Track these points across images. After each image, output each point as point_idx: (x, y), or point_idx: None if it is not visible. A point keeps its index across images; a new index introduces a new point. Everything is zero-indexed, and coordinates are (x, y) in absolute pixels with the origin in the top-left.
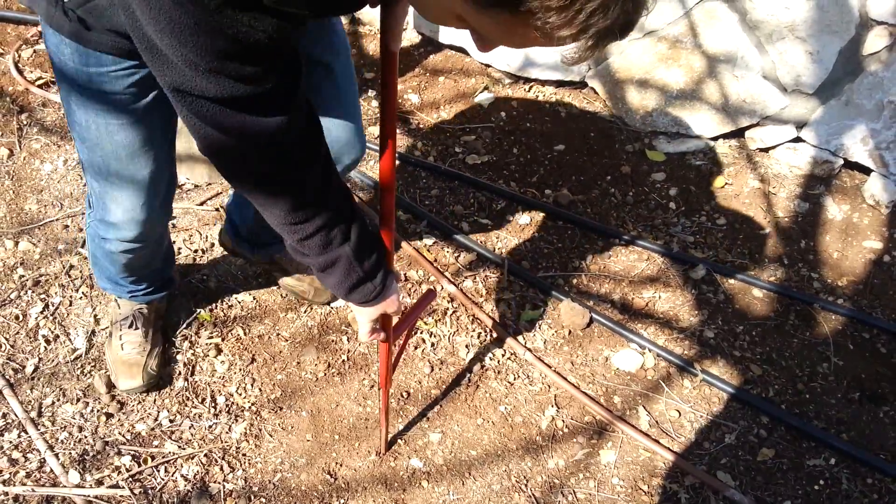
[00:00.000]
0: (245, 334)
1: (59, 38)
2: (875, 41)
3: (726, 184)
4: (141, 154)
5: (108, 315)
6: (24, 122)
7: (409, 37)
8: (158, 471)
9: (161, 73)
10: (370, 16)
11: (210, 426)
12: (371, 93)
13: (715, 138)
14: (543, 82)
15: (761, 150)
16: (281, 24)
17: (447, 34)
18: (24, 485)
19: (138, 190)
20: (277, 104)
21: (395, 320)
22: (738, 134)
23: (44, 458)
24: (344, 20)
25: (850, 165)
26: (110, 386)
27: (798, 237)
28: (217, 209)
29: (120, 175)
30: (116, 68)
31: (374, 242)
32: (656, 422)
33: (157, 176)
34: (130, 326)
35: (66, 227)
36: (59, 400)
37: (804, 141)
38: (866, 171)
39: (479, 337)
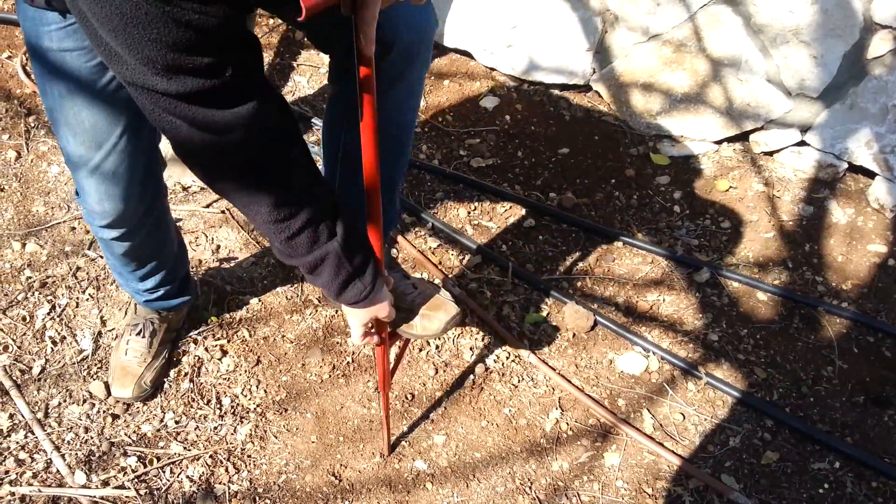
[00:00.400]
0: (250, 336)
1: (24, 6)
2: (879, 45)
3: (730, 187)
4: (107, 139)
5: (127, 313)
6: (32, 125)
7: None
8: (164, 472)
9: (121, 73)
10: None
11: (215, 427)
12: None
13: (719, 142)
14: (548, 86)
15: (765, 153)
16: (230, 8)
17: (452, 38)
18: (31, 485)
19: (106, 179)
20: (242, 93)
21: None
22: (743, 137)
23: (50, 459)
24: None
25: (855, 169)
26: (109, 390)
27: (802, 241)
28: (223, 211)
29: (85, 162)
30: (65, 24)
31: (362, 240)
32: (660, 425)
33: (127, 165)
34: (139, 333)
35: (73, 229)
36: (65, 401)
37: (808, 145)
38: (871, 174)
39: (483, 339)
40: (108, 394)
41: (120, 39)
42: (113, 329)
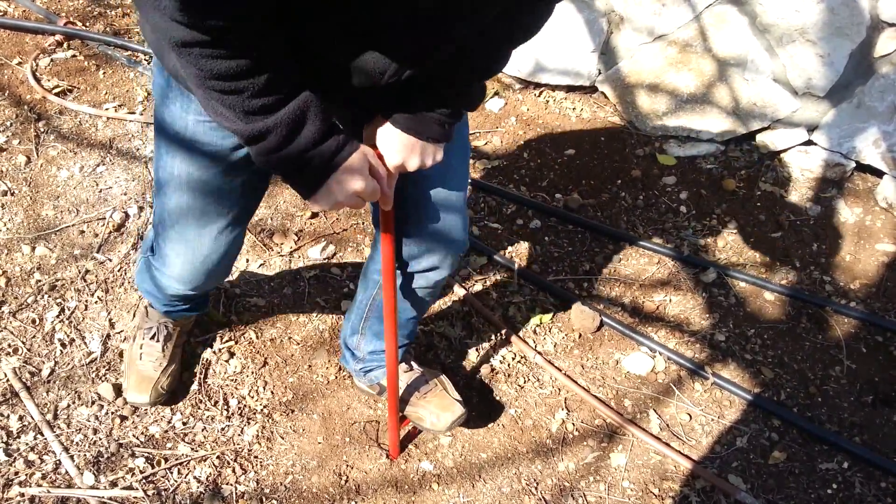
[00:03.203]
0: (257, 338)
1: (167, 81)
2: (886, 43)
3: (737, 187)
4: (214, 217)
5: (137, 315)
6: (42, 130)
7: None
8: (171, 473)
9: None
10: None
11: (222, 428)
12: None
13: (726, 142)
14: (554, 87)
15: (772, 153)
16: None
17: None
18: (40, 486)
19: (201, 252)
20: None
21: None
22: (749, 137)
23: (59, 460)
24: None
25: (863, 168)
26: (118, 393)
27: (810, 240)
28: None
29: (186, 231)
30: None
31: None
32: (667, 425)
33: (225, 241)
34: (153, 338)
35: (82, 232)
36: (74, 403)
37: (816, 144)
38: (879, 173)
39: (489, 340)
40: (118, 395)
41: None
42: (121, 331)
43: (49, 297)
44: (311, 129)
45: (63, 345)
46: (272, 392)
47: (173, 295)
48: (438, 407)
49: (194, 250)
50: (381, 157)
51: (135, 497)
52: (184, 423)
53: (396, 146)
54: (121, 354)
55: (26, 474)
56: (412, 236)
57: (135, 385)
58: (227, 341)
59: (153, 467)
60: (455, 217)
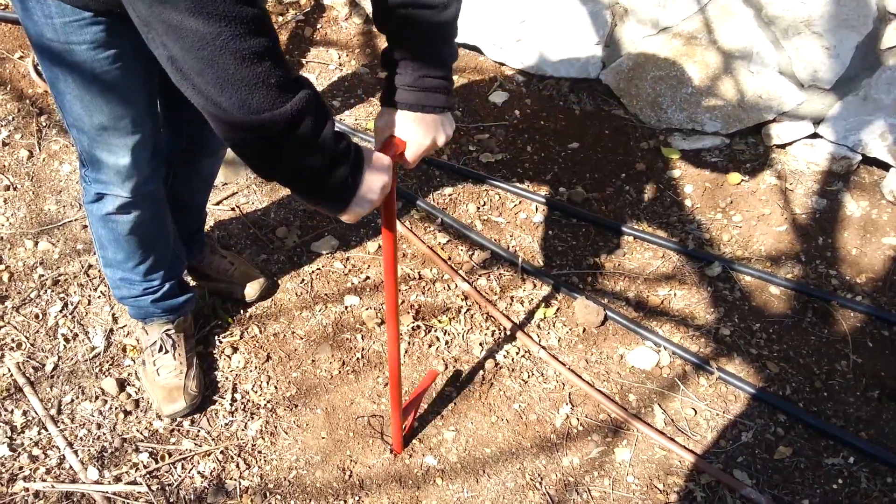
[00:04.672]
0: (261, 332)
1: None
2: (893, 35)
3: (742, 180)
4: (123, 110)
5: (139, 342)
6: (44, 124)
7: None
8: (175, 468)
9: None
10: None
11: (226, 423)
12: None
13: (731, 135)
14: (557, 80)
15: (778, 146)
16: None
17: (461, 33)
18: (44, 481)
19: (128, 142)
20: None
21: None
22: (755, 130)
23: (63, 455)
24: (358, 20)
25: (869, 161)
26: (121, 388)
27: (816, 234)
28: (233, 208)
29: (104, 132)
30: (76, 18)
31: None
32: (672, 420)
33: (142, 129)
34: (160, 350)
35: (85, 227)
36: (78, 397)
37: (821, 137)
38: (885, 166)
39: (493, 335)
40: (121, 389)
41: None
42: (125, 326)
43: (52, 291)
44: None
45: (66, 340)
46: (276, 387)
47: (124, 215)
48: (245, 279)
49: (117, 144)
50: (402, 146)
51: (139, 492)
52: (188, 418)
53: (421, 128)
54: (124, 349)
55: (30, 469)
56: (197, 121)
57: (164, 398)
58: (230, 336)
59: (157, 462)
60: None
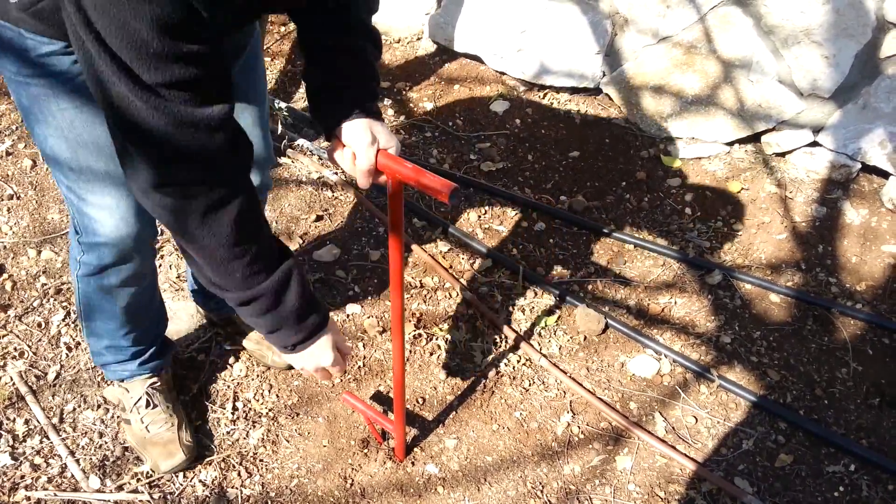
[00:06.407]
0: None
1: (5, 29)
2: (892, 44)
3: (742, 189)
4: (111, 147)
5: (118, 402)
6: None
7: (424, 46)
8: (177, 476)
9: (100, 63)
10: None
11: (228, 432)
12: (387, 101)
13: (731, 143)
14: (558, 89)
15: (778, 154)
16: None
17: (462, 43)
18: (46, 490)
19: (119, 186)
20: (219, 91)
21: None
22: (755, 139)
23: (65, 464)
24: None
25: (869, 169)
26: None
27: (816, 242)
28: None
29: (95, 172)
30: (55, 48)
31: (301, 286)
32: (673, 428)
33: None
34: (148, 406)
35: None
36: (80, 406)
37: (821, 145)
38: (885, 174)
39: (494, 343)
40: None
41: (109, 18)
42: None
43: (55, 300)
44: (293, 296)
45: (69, 348)
46: (277, 395)
47: (120, 281)
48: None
49: (111, 187)
50: (354, 155)
51: (140, 500)
52: None
53: (367, 133)
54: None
55: (32, 478)
56: None
57: (161, 454)
58: (231, 345)
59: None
60: (258, 132)
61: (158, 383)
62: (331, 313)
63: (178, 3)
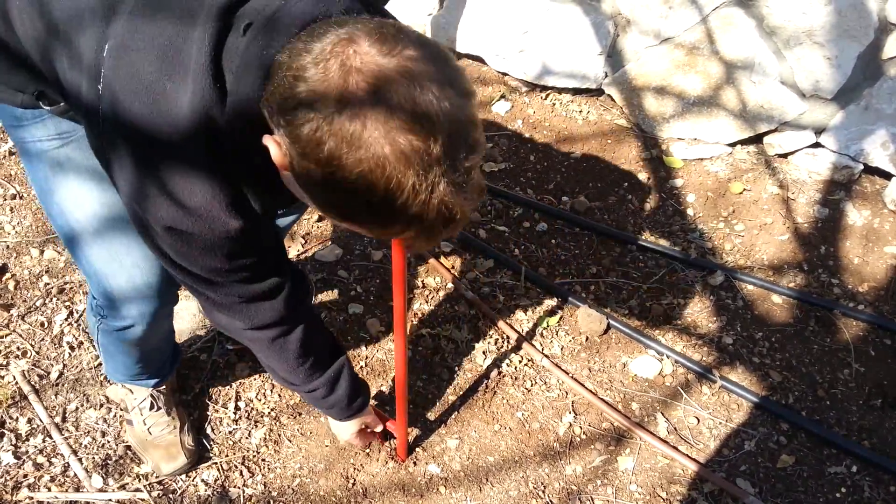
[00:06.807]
0: None
1: (11, 111)
2: (894, 45)
3: (744, 190)
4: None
5: (120, 402)
6: None
7: None
8: (179, 476)
9: (189, 280)
10: None
11: (230, 432)
12: None
13: (733, 144)
14: (560, 90)
15: (780, 155)
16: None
17: (464, 43)
18: (49, 489)
19: (136, 247)
20: (271, 272)
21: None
22: (757, 140)
23: (68, 463)
24: None
25: (871, 170)
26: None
27: (818, 243)
28: None
29: (109, 238)
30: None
31: (348, 380)
32: (675, 428)
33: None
34: (151, 408)
35: None
36: (82, 406)
37: (823, 146)
38: (887, 175)
39: (496, 343)
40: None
41: (183, 256)
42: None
43: (58, 300)
44: (343, 387)
45: (72, 348)
46: (279, 395)
47: (144, 333)
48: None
49: (127, 248)
50: None
51: (142, 500)
52: None
53: None
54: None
55: (35, 477)
56: None
57: (163, 457)
58: (233, 344)
59: None
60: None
61: (163, 386)
62: (332, 313)
63: (247, 236)
